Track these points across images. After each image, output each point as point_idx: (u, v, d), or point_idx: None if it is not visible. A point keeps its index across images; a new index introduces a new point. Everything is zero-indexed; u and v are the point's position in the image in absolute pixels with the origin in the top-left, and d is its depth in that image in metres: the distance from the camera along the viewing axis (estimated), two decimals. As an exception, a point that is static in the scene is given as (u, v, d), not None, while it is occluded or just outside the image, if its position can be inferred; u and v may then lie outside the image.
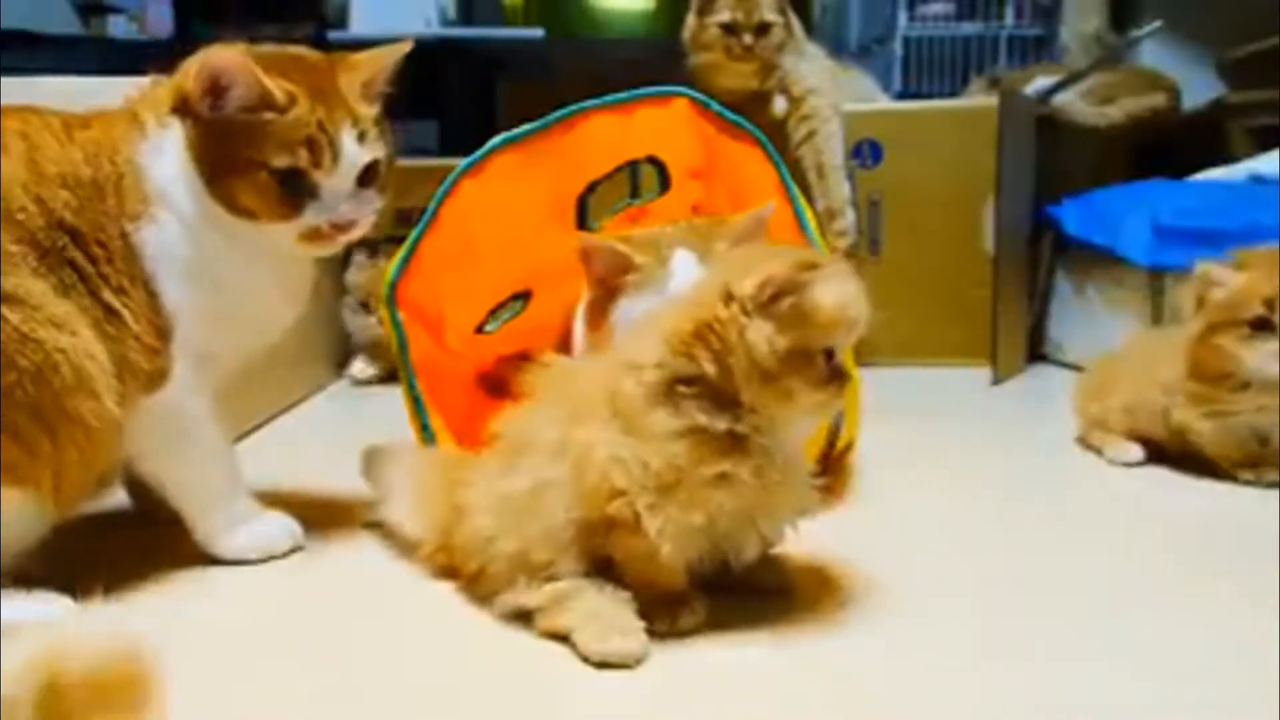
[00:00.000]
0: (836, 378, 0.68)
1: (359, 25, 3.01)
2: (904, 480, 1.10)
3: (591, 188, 1.12)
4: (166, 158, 0.81)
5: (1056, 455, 1.27)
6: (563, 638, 0.68)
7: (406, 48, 0.89)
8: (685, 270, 0.94)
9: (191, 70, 0.79)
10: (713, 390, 0.66)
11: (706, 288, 0.69)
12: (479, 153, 1.05)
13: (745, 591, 0.74)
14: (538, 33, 3.25)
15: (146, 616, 0.74)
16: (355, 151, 0.82)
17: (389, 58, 0.88)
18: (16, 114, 0.80)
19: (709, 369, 0.66)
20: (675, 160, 1.13)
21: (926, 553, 0.88)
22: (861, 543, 0.89)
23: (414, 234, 1.03)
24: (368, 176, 0.84)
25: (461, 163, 1.05)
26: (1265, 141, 1.90)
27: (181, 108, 0.80)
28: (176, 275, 0.80)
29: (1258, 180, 1.65)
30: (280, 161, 0.79)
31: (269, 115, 0.79)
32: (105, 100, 0.87)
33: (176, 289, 0.80)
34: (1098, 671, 0.64)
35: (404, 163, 0.96)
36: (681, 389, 0.66)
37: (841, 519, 0.96)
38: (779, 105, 1.87)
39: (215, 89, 0.78)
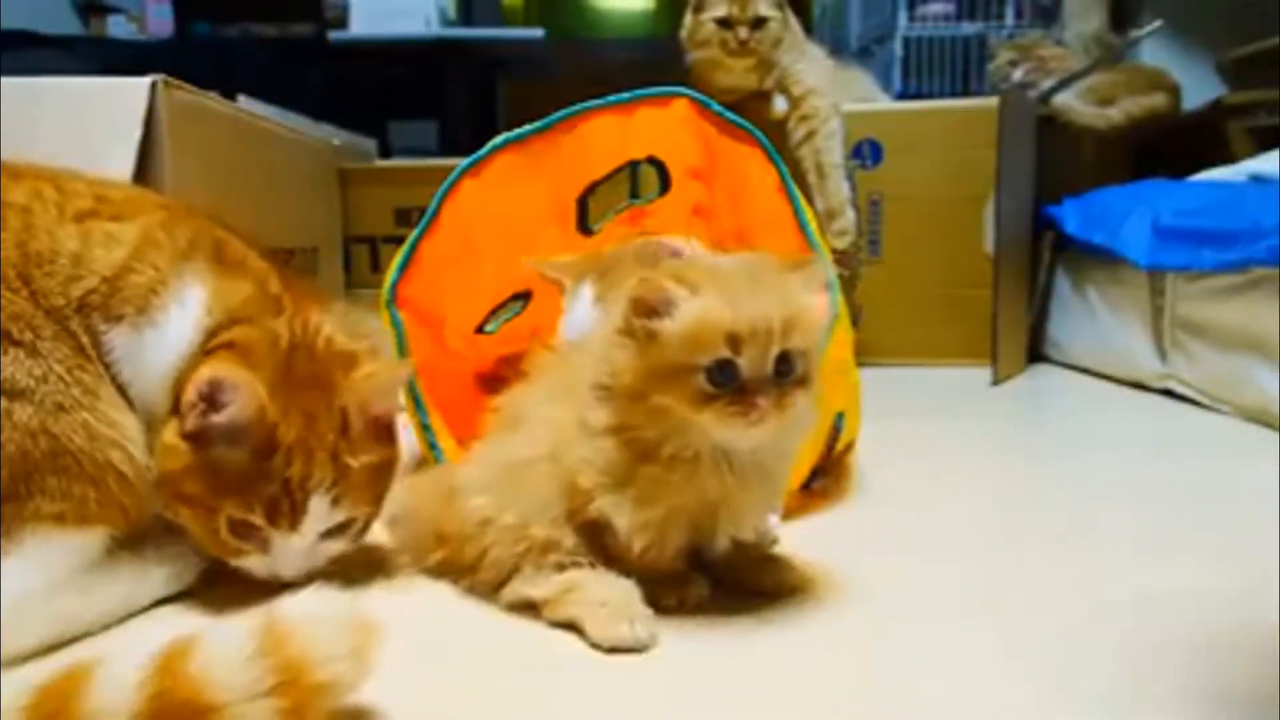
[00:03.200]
0: (734, 399, 0.65)
1: (359, 25, 3.01)
2: (904, 480, 1.10)
3: (592, 188, 1.12)
4: (190, 301, 0.74)
5: (1056, 454, 1.27)
6: (571, 627, 0.69)
7: (408, 371, 0.87)
8: (581, 306, 0.98)
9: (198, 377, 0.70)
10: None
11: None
12: (479, 153, 1.05)
13: (747, 594, 0.75)
14: (538, 33, 3.26)
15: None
16: (324, 514, 0.73)
17: (393, 380, 0.81)
18: (33, 181, 0.75)
19: (609, 382, 0.69)
20: (675, 161, 1.13)
21: (926, 552, 0.88)
22: (862, 542, 0.89)
23: (414, 234, 1.03)
24: (335, 531, 0.75)
25: (462, 163, 1.05)
26: (1265, 141, 1.90)
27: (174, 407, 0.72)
28: (140, 384, 0.74)
29: (1258, 180, 1.66)
30: (233, 512, 0.71)
31: (240, 454, 0.70)
32: (108, 105, 0.83)
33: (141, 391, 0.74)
34: (1098, 671, 0.64)
35: (404, 163, 0.96)
36: (602, 393, 0.69)
37: (842, 518, 0.96)
38: (779, 105, 1.87)
39: (211, 399, 0.70)
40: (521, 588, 0.71)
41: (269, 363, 0.73)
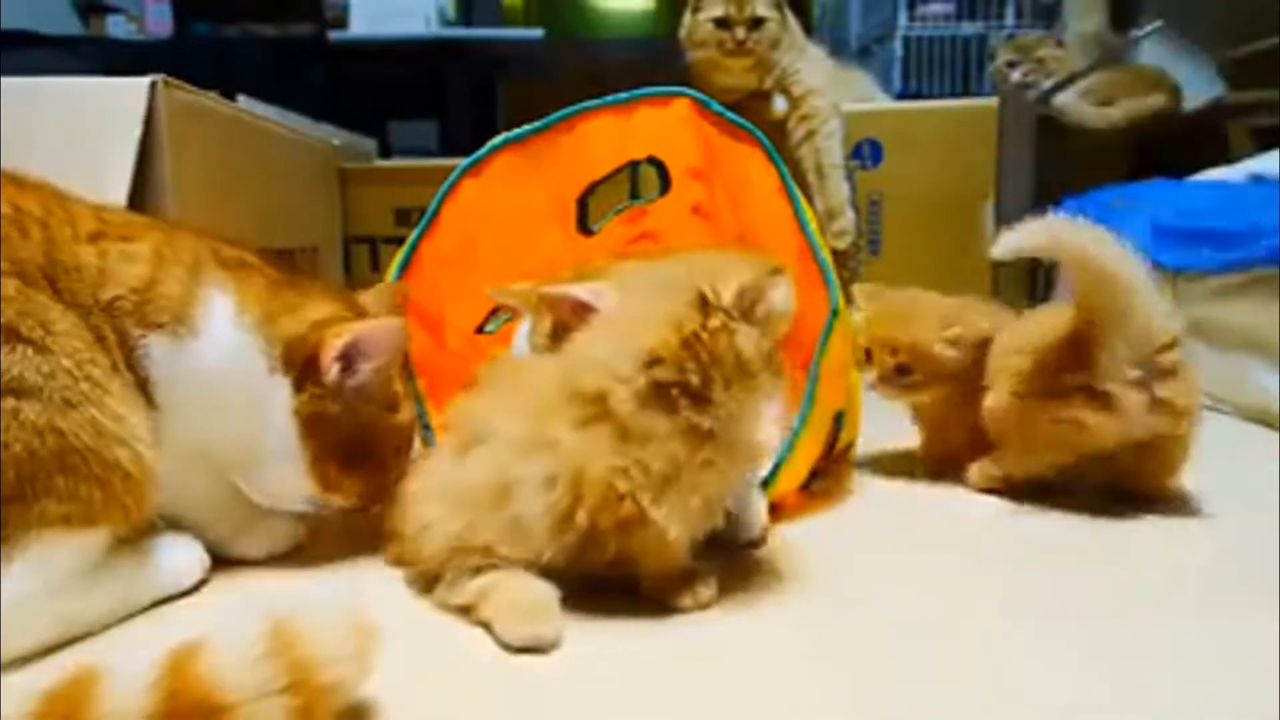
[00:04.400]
0: (781, 368, 0.75)
1: (359, 25, 3.01)
2: (904, 480, 1.10)
3: (592, 188, 1.13)
4: (223, 314, 0.78)
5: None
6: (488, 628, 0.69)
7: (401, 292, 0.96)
8: (520, 339, 0.99)
9: (335, 336, 0.79)
10: (691, 392, 0.70)
11: (672, 299, 0.72)
12: (479, 153, 1.05)
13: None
14: (538, 33, 3.26)
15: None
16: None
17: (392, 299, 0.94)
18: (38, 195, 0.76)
19: (693, 377, 0.69)
20: (676, 160, 1.13)
21: (926, 553, 0.88)
22: (861, 542, 0.89)
23: (414, 234, 1.03)
24: None
25: (462, 163, 1.05)
26: (1265, 141, 1.90)
27: (301, 369, 0.79)
28: (173, 393, 0.76)
29: (1258, 180, 1.65)
30: (393, 463, 0.82)
31: (383, 413, 0.83)
32: (108, 105, 0.84)
33: (169, 401, 0.76)
34: (1095, 673, 0.64)
35: (404, 163, 0.96)
36: (673, 392, 0.69)
37: (842, 518, 0.96)
38: (779, 105, 1.87)
39: (351, 356, 0.79)
40: (446, 595, 0.73)
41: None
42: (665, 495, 0.69)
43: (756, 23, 1.80)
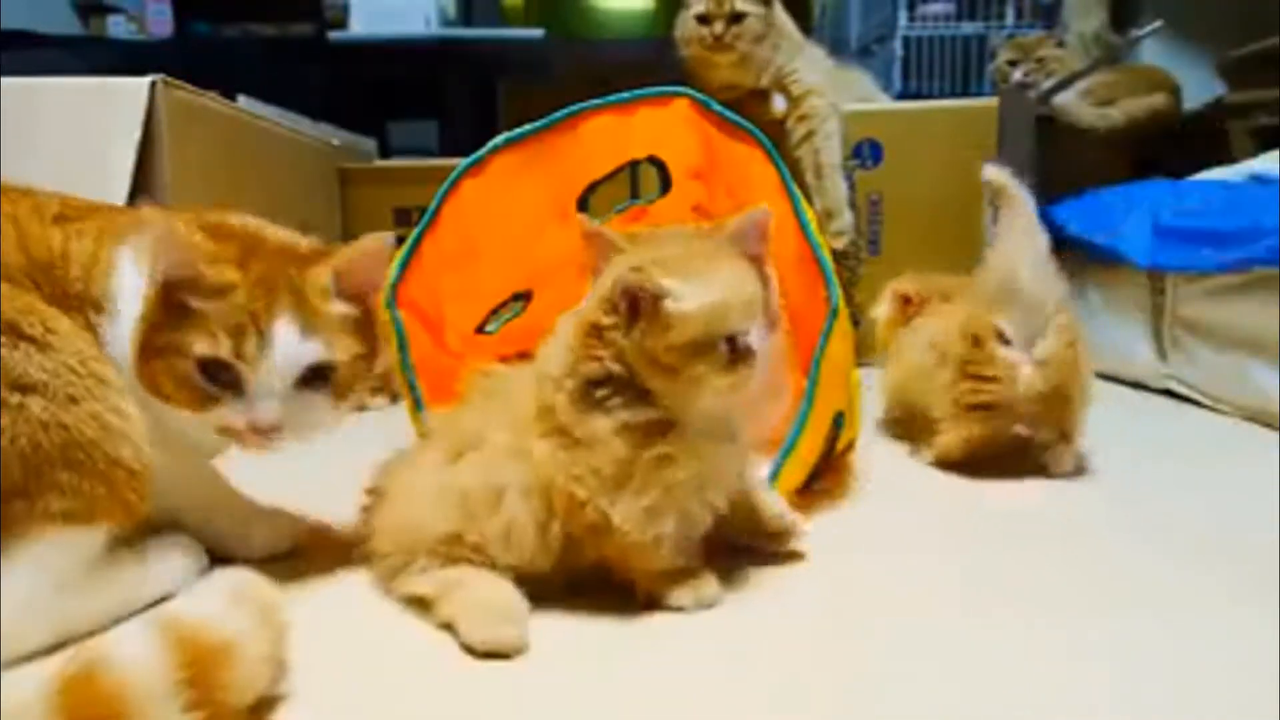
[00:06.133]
0: (743, 360, 0.70)
1: (359, 25, 3.01)
2: (904, 480, 1.10)
3: (592, 188, 1.12)
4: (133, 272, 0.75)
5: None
6: (449, 628, 0.69)
7: (386, 243, 0.80)
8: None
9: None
10: (625, 384, 0.70)
11: (592, 299, 0.73)
12: (480, 152, 1.05)
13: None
14: (538, 33, 3.25)
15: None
16: (294, 347, 0.72)
17: (370, 250, 0.79)
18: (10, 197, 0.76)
19: (615, 368, 0.69)
20: (676, 160, 1.13)
21: (926, 552, 0.88)
22: (861, 542, 0.89)
23: (415, 234, 1.03)
24: (315, 379, 0.74)
25: (462, 163, 1.05)
26: (1265, 141, 1.90)
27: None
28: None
29: (1258, 180, 1.65)
30: (200, 348, 0.70)
31: (202, 301, 0.71)
32: (108, 105, 0.85)
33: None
34: (1092, 673, 0.64)
35: (404, 163, 0.96)
36: (598, 392, 0.69)
37: (842, 518, 0.96)
38: (778, 104, 1.87)
39: (155, 256, 0.72)
40: (410, 581, 0.72)
41: (201, 223, 0.75)
42: (620, 497, 0.69)
43: (736, 18, 1.80)
